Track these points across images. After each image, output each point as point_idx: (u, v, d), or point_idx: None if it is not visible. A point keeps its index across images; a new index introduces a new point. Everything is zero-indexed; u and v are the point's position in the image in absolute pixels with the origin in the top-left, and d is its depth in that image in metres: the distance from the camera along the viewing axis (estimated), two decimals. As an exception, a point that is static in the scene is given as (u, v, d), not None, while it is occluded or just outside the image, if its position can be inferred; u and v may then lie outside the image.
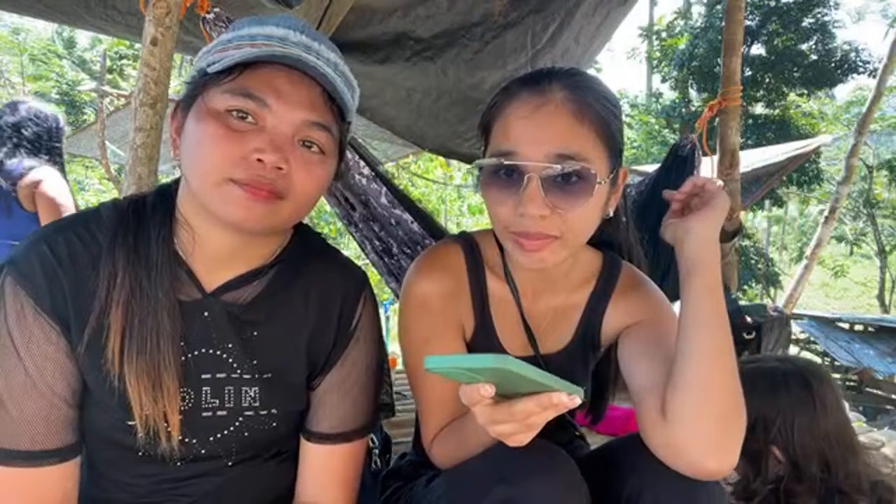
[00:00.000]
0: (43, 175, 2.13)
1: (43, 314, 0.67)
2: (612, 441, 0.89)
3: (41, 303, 0.67)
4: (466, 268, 0.93)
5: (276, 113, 0.66)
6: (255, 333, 0.77)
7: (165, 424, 0.70)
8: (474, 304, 0.93)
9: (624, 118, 0.83)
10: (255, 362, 0.77)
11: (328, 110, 0.71)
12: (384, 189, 2.49)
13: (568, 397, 0.55)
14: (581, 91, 0.76)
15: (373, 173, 2.47)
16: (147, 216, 0.72)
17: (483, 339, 0.94)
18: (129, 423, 0.70)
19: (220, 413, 0.75)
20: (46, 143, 2.21)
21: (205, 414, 0.74)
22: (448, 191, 9.16)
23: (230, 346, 0.75)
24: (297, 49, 0.67)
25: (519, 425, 0.59)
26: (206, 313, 0.74)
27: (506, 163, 0.74)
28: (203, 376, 0.74)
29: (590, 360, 1.00)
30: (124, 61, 12.61)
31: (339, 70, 0.72)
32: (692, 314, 0.74)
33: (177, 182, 0.76)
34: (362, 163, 2.47)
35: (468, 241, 0.95)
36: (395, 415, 1.83)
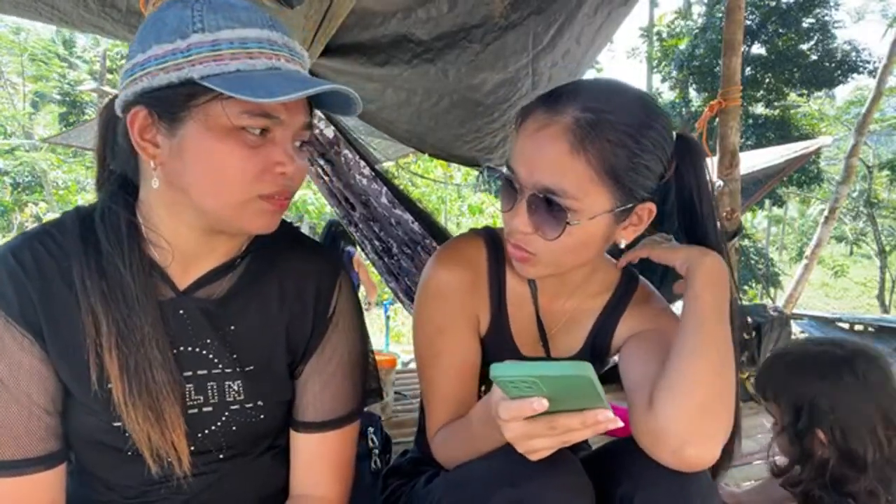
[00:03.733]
0: None
1: (13, 323, 0.67)
2: (608, 443, 0.90)
3: (10, 312, 0.67)
4: (487, 262, 0.94)
5: (284, 124, 0.67)
6: (233, 328, 0.77)
7: (175, 451, 0.70)
8: (491, 298, 0.94)
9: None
10: (235, 356, 0.76)
11: (310, 106, 0.72)
12: (384, 189, 2.49)
13: (612, 417, 0.56)
14: (591, 119, 0.72)
15: (373, 173, 2.48)
16: (110, 239, 0.69)
17: (497, 335, 0.94)
18: (115, 424, 0.70)
19: (205, 409, 0.75)
20: None
21: (191, 411, 0.74)
22: (448, 190, 9.16)
23: (208, 341, 0.75)
24: (285, 53, 0.67)
25: (556, 441, 0.59)
26: (181, 311, 0.74)
27: (506, 175, 0.79)
28: (185, 374, 0.74)
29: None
30: (125, 61, 12.60)
31: (307, 60, 0.73)
32: (693, 311, 0.76)
33: (122, 187, 0.73)
34: (363, 163, 2.47)
35: (491, 236, 0.96)
36: (384, 400, 1.80)
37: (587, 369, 0.51)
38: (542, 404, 0.55)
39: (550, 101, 0.75)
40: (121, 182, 0.73)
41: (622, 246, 0.85)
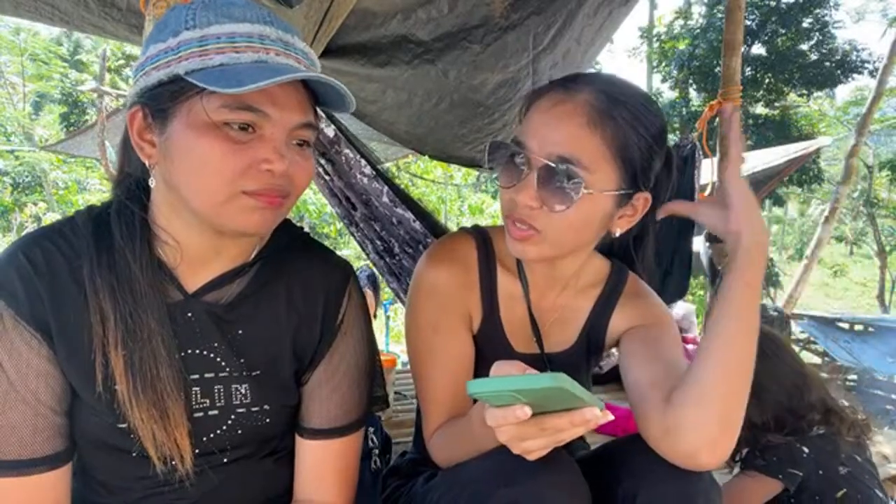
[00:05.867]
0: None
1: (22, 322, 0.67)
2: (609, 442, 0.90)
3: (20, 311, 0.66)
4: (477, 259, 0.94)
5: (273, 121, 0.65)
6: (240, 332, 0.77)
7: (178, 449, 0.70)
8: (483, 295, 0.94)
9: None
10: (242, 360, 0.76)
11: (311, 106, 0.71)
12: (385, 188, 2.49)
13: (601, 413, 0.56)
14: (607, 100, 0.75)
15: (374, 172, 2.47)
16: (123, 234, 0.69)
17: (490, 332, 0.95)
18: (120, 425, 0.70)
19: (211, 412, 0.75)
20: None
21: (196, 414, 0.74)
22: (448, 191, 9.17)
23: (216, 345, 0.75)
24: (277, 47, 0.66)
25: (548, 441, 0.60)
26: (189, 314, 0.74)
27: (513, 150, 0.78)
28: (192, 377, 0.74)
29: (591, 363, 1.02)
30: (123, 61, 12.60)
31: (311, 58, 0.71)
32: (724, 308, 0.73)
33: (138, 187, 0.73)
34: (363, 162, 2.47)
35: (482, 234, 0.97)
36: (391, 406, 1.82)
37: (562, 380, 0.50)
38: (525, 412, 0.55)
39: (567, 82, 0.79)
40: (137, 182, 0.73)
41: (615, 235, 0.85)
